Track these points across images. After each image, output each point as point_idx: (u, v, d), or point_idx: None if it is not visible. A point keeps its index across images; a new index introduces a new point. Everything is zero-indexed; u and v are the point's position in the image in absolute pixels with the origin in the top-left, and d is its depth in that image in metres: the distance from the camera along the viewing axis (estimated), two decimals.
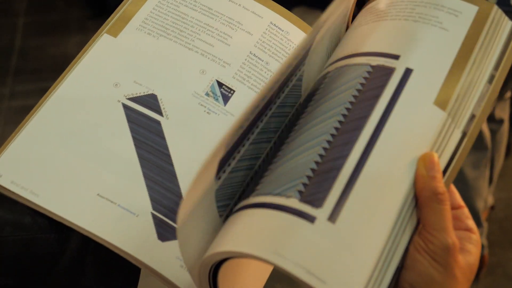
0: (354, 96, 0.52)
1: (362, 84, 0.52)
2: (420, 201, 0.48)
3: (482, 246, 1.86)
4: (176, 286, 0.54)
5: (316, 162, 0.49)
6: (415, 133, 0.50)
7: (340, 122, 0.51)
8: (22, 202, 0.56)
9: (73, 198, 0.56)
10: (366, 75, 0.53)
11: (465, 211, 0.53)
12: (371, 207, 0.47)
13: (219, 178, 0.51)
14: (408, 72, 0.52)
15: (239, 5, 0.68)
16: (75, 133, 0.59)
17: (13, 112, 2.56)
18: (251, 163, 0.54)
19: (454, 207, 0.52)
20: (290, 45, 0.66)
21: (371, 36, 0.56)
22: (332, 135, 0.50)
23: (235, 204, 0.53)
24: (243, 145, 0.52)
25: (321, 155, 0.49)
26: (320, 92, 0.55)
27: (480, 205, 1.85)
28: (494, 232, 1.99)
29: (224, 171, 0.51)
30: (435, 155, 0.49)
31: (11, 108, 2.59)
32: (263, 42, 0.66)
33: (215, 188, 0.51)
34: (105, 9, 3.11)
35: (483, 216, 1.92)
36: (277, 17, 0.67)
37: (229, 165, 0.51)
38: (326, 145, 0.50)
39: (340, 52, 0.58)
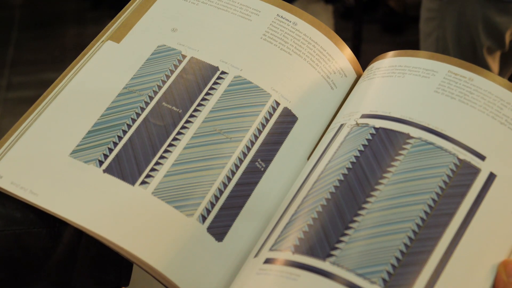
0: (441, 188, 0.53)
1: (448, 177, 0.53)
2: None
3: None
4: (171, 282, 0.54)
5: (401, 252, 0.50)
6: (494, 238, 0.52)
7: (426, 213, 0.51)
8: (22, 201, 0.56)
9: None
10: (453, 167, 0.53)
11: None
12: None
13: (145, 183, 0.56)
14: (492, 177, 0.53)
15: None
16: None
17: (10, 104, 2.56)
18: (209, 164, 0.58)
19: None
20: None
21: (457, 120, 0.56)
22: (418, 225, 0.51)
23: (213, 203, 0.56)
24: (168, 151, 0.58)
25: (406, 245, 0.50)
26: (404, 160, 0.55)
27: None
28: None
29: (149, 176, 0.56)
30: None
31: (8, 99, 2.59)
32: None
33: (150, 191, 0.55)
34: (102, 2, 3.11)
35: None
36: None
37: (153, 170, 0.57)
38: (412, 235, 0.51)
39: (416, 111, 0.57)
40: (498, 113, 0.56)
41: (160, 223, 0.55)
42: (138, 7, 0.68)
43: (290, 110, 0.62)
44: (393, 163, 0.55)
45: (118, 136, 0.59)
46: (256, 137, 0.60)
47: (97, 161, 0.57)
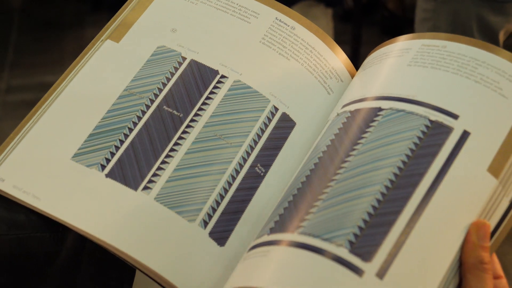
0: (411, 150, 0.52)
1: (419, 138, 0.53)
2: (465, 266, 0.49)
3: None
4: (174, 287, 0.54)
5: (369, 214, 0.50)
6: (467, 197, 0.51)
7: (395, 175, 0.51)
8: (24, 205, 0.56)
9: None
10: (424, 129, 0.53)
11: (503, 281, 0.53)
12: (419, 266, 0.48)
13: (147, 188, 0.56)
14: (465, 134, 0.53)
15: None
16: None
17: (9, 107, 2.55)
18: (210, 169, 0.58)
19: (494, 277, 0.53)
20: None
21: (429, 85, 0.56)
22: (387, 187, 0.51)
23: (214, 209, 0.56)
24: (170, 156, 0.58)
25: (374, 207, 0.50)
26: (373, 131, 0.55)
27: None
28: None
29: (151, 181, 0.56)
30: (488, 224, 0.50)
31: (7, 102, 2.59)
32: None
33: (153, 197, 0.56)
34: (102, 4, 3.11)
35: None
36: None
37: (155, 175, 0.57)
38: (380, 197, 0.51)
39: (389, 85, 0.58)
40: (472, 72, 0.56)
41: (162, 229, 0.55)
42: (137, 5, 0.67)
43: (288, 115, 0.62)
44: (363, 135, 0.55)
45: (119, 140, 0.59)
46: (256, 142, 0.60)
47: (99, 165, 0.57)
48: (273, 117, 0.62)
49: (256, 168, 0.60)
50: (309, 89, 0.64)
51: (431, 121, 0.54)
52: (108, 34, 0.65)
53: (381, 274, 0.47)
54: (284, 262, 0.50)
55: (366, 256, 0.48)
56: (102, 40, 0.65)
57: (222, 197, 0.57)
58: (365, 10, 2.87)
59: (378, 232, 0.49)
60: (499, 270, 0.54)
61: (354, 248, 0.48)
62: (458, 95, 0.55)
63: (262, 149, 0.60)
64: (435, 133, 0.53)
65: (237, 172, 0.59)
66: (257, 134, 0.61)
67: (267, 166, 0.60)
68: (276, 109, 0.62)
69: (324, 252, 0.49)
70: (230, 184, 0.58)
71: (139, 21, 0.66)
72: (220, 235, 0.56)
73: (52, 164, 0.58)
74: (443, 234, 0.50)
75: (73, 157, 0.58)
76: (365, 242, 0.49)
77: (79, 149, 0.58)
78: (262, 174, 0.59)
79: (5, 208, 0.56)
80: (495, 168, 0.52)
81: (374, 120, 0.55)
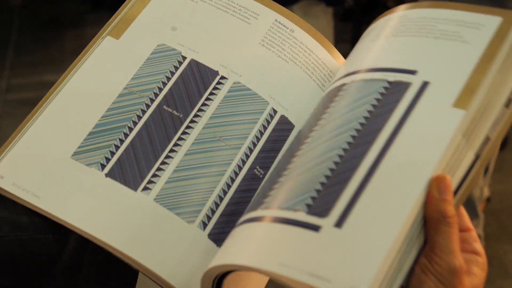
0: (369, 112, 0.52)
1: (377, 100, 0.53)
2: (429, 222, 0.48)
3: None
4: (172, 287, 0.54)
5: (327, 176, 0.50)
6: (428, 147, 0.50)
7: (353, 136, 0.51)
8: (23, 204, 0.56)
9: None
10: (383, 90, 0.53)
11: (473, 234, 0.53)
12: (378, 215, 0.48)
13: (147, 189, 0.56)
14: (425, 85, 0.52)
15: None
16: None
17: (9, 106, 2.56)
18: (209, 171, 0.58)
19: (463, 230, 0.52)
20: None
21: (388, 52, 0.57)
22: (344, 149, 0.51)
23: (213, 210, 0.57)
24: (169, 157, 0.58)
25: (331, 169, 0.50)
26: (335, 105, 0.55)
27: (476, 194, 1.85)
28: (490, 225, 2.00)
29: (151, 182, 0.56)
30: (448, 178, 0.49)
31: (7, 101, 2.59)
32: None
33: (152, 198, 0.56)
34: (102, 3, 3.11)
35: (480, 208, 1.93)
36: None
37: (155, 176, 0.57)
38: (338, 159, 0.51)
39: (355, 64, 0.59)
40: (431, 30, 0.56)
41: (162, 230, 0.55)
42: (137, 1, 0.67)
43: (287, 118, 0.63)
44: (326, 111, 0.56)
45: (119, 139, 0.59)
46: (255, 145, 0.60)
47: (99, 164, 0.57)
48: (272, 119, 0.62)
49: (255, 170, 0.60)
50: (308, 92, 0.65)
51: (389, 82, 0.54)
52: (108, 30, 0.65)
53: (339, 224, 0.47)
54: (243, 237, 0.51)
55: (323, 213, 0.48)
56: (102, 37, 0.65)
57: (221, 199, 0.58)
58: (366, 9, 2.87)
59: (335, 190, 0.49)
60: (468, 223, 0.53)
61: (311, 209, 0.49)
62: (416, 54, 0.55)
63: (261, 151, 0.60)
64: (394, 92, 0.53)
65: (236, 174, 0.59)
66: (256, 136, 0.61)
67: (266, 168, 0.60)
68: (275, 111, 0.62)
69: (281, 220, 0.49)
70: (229, 186, 0.58)
71: (139, 18, 0.66)
72: (219, 236, 0.56)
73: (52, 162, 0.58)
74: (403, 186, 0.49)
75: (72, 155, 0.58)
76: (322, 201, 0.49)
77: (79, 147, 0.58)
78: (261, 176, 0.60)
79: (8, 209, 0.56)
80: (462, 102, 0.51)
81: (337, 96, 0.56)
